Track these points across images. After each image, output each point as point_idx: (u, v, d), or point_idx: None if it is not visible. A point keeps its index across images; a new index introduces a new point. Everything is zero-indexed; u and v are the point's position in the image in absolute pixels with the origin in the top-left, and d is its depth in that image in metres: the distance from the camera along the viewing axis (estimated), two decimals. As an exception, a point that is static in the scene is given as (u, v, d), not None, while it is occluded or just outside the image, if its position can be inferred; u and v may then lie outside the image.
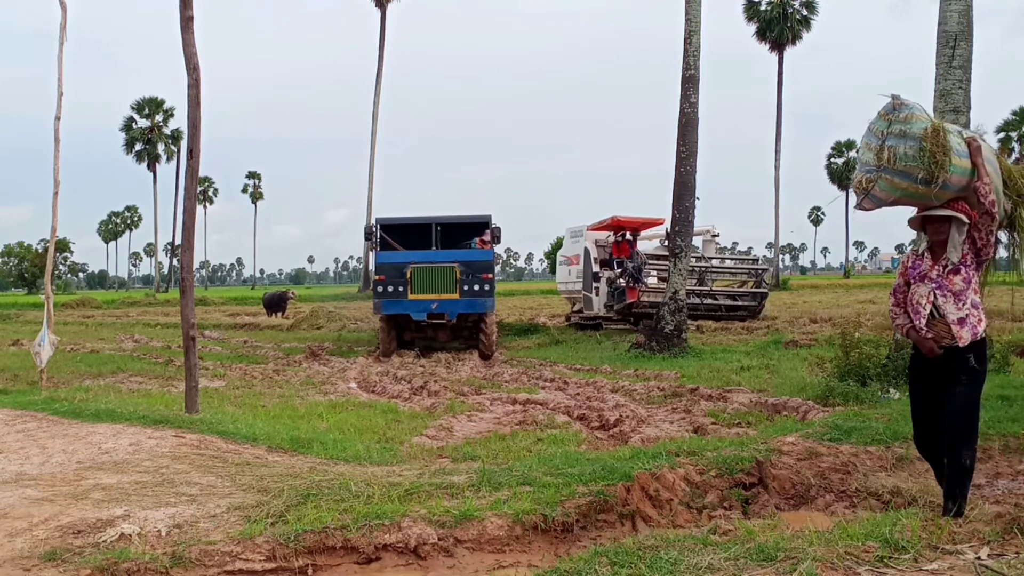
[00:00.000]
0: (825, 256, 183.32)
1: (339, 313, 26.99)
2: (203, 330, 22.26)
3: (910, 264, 4.45)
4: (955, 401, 4.18)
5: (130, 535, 3.99)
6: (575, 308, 23.02)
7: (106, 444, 6.25)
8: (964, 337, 4.18)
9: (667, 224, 20.57)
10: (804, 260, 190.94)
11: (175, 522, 4.19)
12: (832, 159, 73.56)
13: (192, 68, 8.01)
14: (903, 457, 5.52)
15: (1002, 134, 58.29)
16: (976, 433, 4.28)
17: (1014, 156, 58.42)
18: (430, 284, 16.15)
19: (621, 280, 19.50)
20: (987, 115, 62.22)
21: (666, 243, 21.17)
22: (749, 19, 50.25)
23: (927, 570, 3.31)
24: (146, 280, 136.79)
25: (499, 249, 18.89)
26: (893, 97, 4.38)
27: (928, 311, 4.27)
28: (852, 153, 72.39)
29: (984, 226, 4.22)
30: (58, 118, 9.96)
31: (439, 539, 4.11)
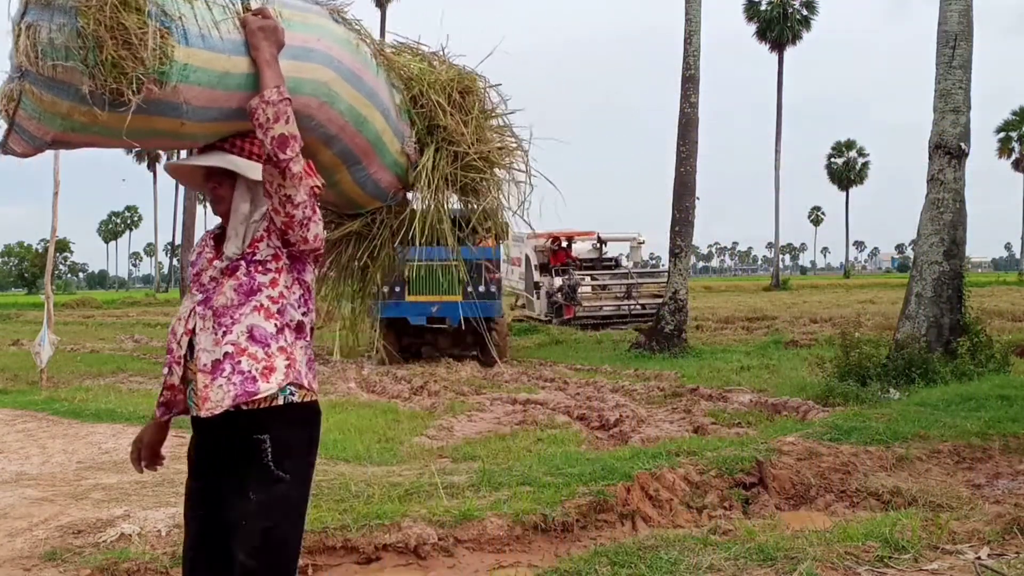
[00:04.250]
0: (825, 256, 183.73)
1: (339, 313, 26.98)
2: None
3: (194, 258, 2.43)
4: (239, 536, 2.21)
5: (130, 535, 4.00)
6: (519, 303, 24.74)
7: (106, 444, 6.25)
8: (213, 399, 2.18)
9: (599, 233, 24.32)
10: (804, 260, 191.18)
11: (175, 522, 4.19)
12: (832, 159, 73.52)
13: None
14: (903, 457, 5.53)
15: (1002, 134, 58.36)
16: None
17: (1014, 156, 58.56)
18: (430, 284, 14.71)
19: (559, 296, 21.06)
20: (987, 115, 62.36)
21: (597, 245, 24.70)
22: (749, 19, 50.29)
23: (927, 570, 3.31)
24: (146, 280, 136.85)
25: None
26: None
27: (185, 345, 2.29)
28: (852, 153, 72.55)
29: (274, 186, 2.20)
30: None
31: (439, 539, 4.11)
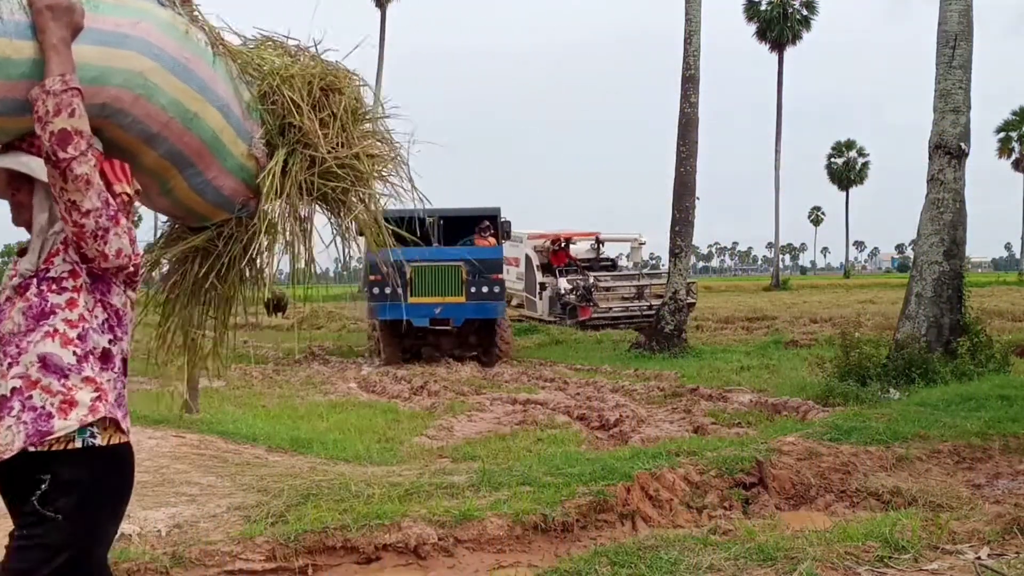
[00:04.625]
0: (825, 256, 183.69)
1: (339, 313, 27.00)
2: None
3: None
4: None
5: (130, 535, 3.99)
6: (515, 303, 24.91)
7: (106, 444, 6.23)
8: (2, 442, 1.91)
9: (598, 234, 24.24)
10: (804, 260, 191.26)
11: (175, 522, 4.19)
12: (832, 159, 73.56)
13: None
14: (903, 457, 5.53)
15: (1002, 134, 58.35)
16: None
17: (1014, 156, 58.57)
18: (432, 286, 14.33)
19: (572, 296, 20.95)
20: (987, 115, 62.37)
21: (595, 246, 24.56)
22: (749, 19, 50.32)
23: (927, 570, 3.31)
24: (145, 280, 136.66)
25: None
26: None
27: None
28: (852, 153, 72.63)
29: (57, 190, 1.91)
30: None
31: (439, 539, 4.11)
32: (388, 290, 14.12)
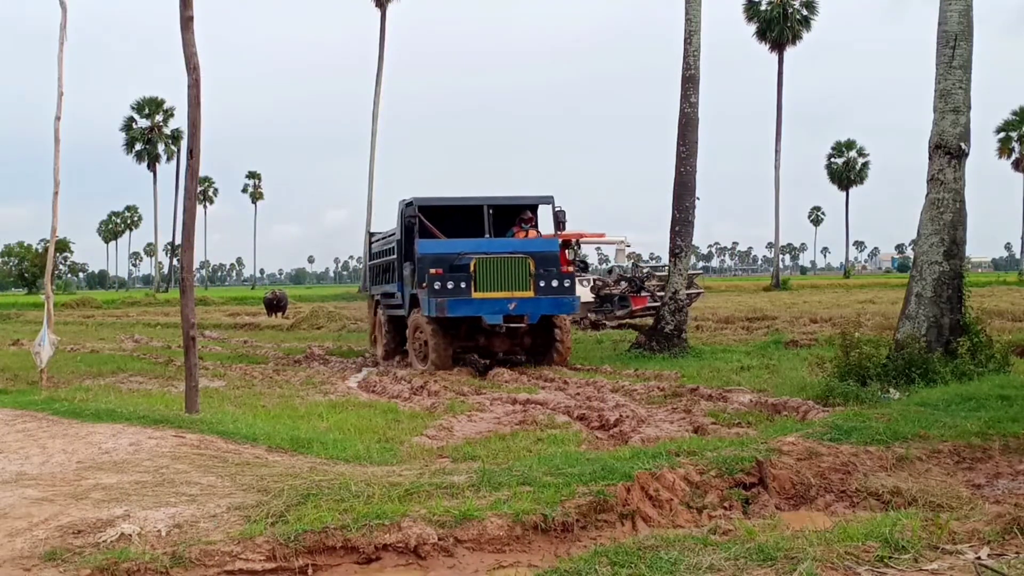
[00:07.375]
0: (825, 256, 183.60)
1: (339, 313, 27.06)
2: (203, 330, 22.26)
3: None
4: None
5: (130, 535, 4.00)
6: None
7: (106, 444, 6.25)
8: None
9: (576, 237, 23.39)
10: (804, 260, 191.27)
11: (175, 522, 4.19)
12: (832, 159, 73.60)
13: (192, 68, 8.01)
14: (903, 457, 5.53)
15: (1002, 134, 58.38)
16: None
17: (1014, 156, 58.61)
18: (501, 279, 13.06)
19: (616, 288, 21.18)
20: (987, 115, 62.37)
21: (575, 247, 24.13)
22: (749, 19, 50.40)
23: (927, 570, 3.31)
24: (146, 280, 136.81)
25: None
26: None
27: None
28: (852, 153, 72.74)
29: None
30: (58, 118, 9.96)
31: (439, 539, 4.11)
32: (451, 284, 12.92)
